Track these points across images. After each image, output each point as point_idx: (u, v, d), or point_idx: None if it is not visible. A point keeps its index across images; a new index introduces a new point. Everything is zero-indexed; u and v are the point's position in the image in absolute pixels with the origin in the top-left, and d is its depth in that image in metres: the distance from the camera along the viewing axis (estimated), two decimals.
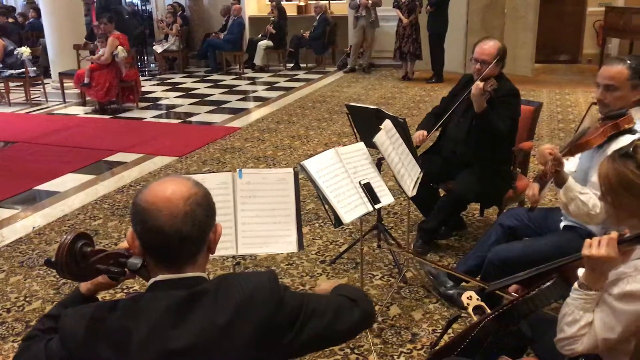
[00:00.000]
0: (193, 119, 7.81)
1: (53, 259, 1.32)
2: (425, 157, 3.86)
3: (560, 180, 2.41)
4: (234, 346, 1.26)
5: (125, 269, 1.40)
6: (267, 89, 9.75)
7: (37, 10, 9.10)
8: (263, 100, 8.80)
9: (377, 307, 3.13)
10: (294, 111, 7.92)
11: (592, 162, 2.53)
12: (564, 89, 8.73)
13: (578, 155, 2.65)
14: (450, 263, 3.58)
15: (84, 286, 1.51)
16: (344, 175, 2.55)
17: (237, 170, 2.31)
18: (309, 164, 2.46)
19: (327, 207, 2.50)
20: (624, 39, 10.10)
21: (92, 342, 1.25)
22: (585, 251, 1.54)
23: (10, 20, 11.47)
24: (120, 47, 7.82)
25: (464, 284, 3.12)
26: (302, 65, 11.66)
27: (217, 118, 7.74)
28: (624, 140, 2.32)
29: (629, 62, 2.47)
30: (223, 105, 8.55)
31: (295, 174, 2.37)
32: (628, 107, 2.44)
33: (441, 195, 3.88)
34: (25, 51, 8.34)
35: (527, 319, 1.83)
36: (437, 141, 3.83)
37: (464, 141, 3.53)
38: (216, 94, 9.41)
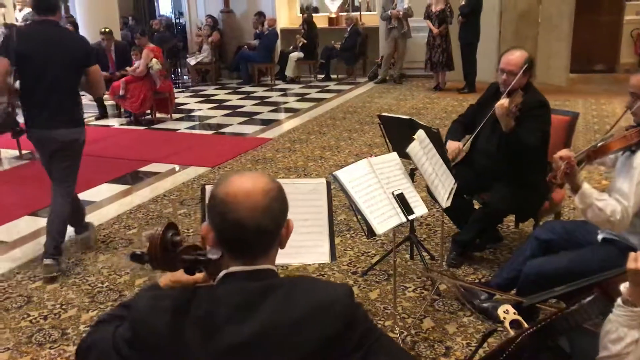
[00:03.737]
0: (226, 130, 7.89)
1: (139, 252, 1.37)
2: (458, 168, 3.81)
3: (574, 186, 2.38)
4: (299, 347, 1.25)
5: (207, 259, 1.41)
6: (298, 100, 9.80)
7: (75, 25, 9.31)
8: (294, 112, 8.84)
9: (409, 320, 3.10)
10: (324, 122, 7.93)
11: (619, 168, 2.51)
12: (599, 99, 8.56)
13: None
14: (485, 276, 3.52)
15: (163, 281, 1.52)
16: (376, 185, 2.53)
17: None
18: (341, 174, 2.45)
19: (359, 217, 2.48)
20: None
21: (177, 332, 1.26)
22: (630, 264, 1.49)
23: None
24: (154, 60, 7.96)
25: (498, 297, 3.06)
26: (332, 76, 11.69)
27: (249, 129, 7.80)
28: None
29: None
30: (255, 117, 8.62)
31: (328, 184, 2.36)
32: None
33: (475, 206, 3.83)
34: None
35: (565, 334, 1.79)
36: (469, 153, 3.78)
37: (495, 155, 3.47)
38: (248, 105, 9.50)
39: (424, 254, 3.71)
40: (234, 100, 10.05)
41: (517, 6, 9.71)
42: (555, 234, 2.91)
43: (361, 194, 2.45)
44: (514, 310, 1.93)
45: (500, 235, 3.93)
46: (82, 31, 8.89)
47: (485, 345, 2.58)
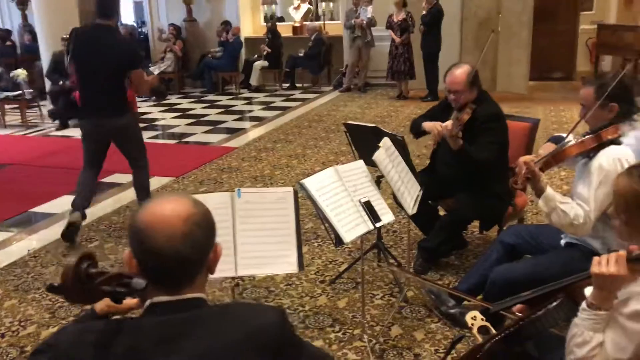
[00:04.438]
0: (190, 139, 7.80)
1: (56, 284, 1.29)
2: (423, 174, 3.84)
3: (538, 190, 2.43)
4: None
5: (130, 290, 1.37)
6: (263, 109, 9.77)
7: (33, 34, 9.11)
8: (259, 120, 8.80)
9: (378, 328, 3.09)
10: (290, 130, 7.92)
11: (578, 173, 2.59)
12: (558, 105, 8.77)
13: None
14: (451, 282, 3.54)
15: (99, 306, 1.47)
16: (344, 193, 2.53)
17: (236, 190, 2.29)
18: (308, 182, 2.44)
19: (327, 226, 2.47)
20: (616, 55, 10.18)
21: None
22: (594, 269, 1.51)
23: (8, 43, 11.50)
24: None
25: (466, 302, 3.09)
26: (298, 85, 11.70)
27: (213, 138, 7.73)
28: (609, 152, 2.36)
29: (596, 83, 2.55)
30: (219, 125, 8.55)
31: (295, 193, 2.35)
32: (608, 123, 2.48)
33: (440, 213, 3.86)
34: (21, 74, 8.34)
35: (533, 339, 1.80)
36: (431, 162, 3.81)
37: (456, 166, 3.47)
38: (212, 114, 9.42)
39: (391, 261, 3.72)
40: (198, 109, 9.96)
41: (477, 15, 9.89)
42: (519, 239, 2.95)
43: (329, 202, 2.44)
44: (482, 317, 1.94)
45: (465, 240, 3.97)
46: (41, 39, 8.72)
47: (453, 352, 2.59)
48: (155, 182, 5.78)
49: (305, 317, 3.24)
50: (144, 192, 4.64)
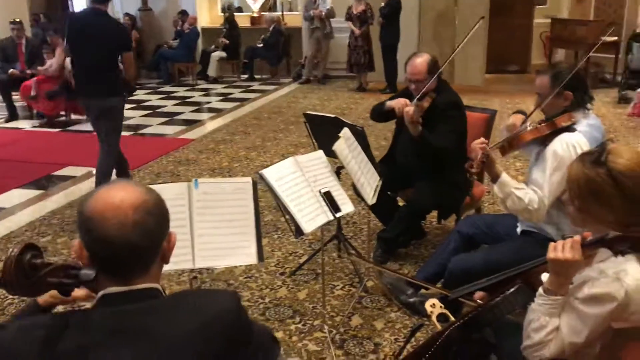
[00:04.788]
0: (145, 131, 7.64)
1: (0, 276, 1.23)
2: (381, 165, 3.85)
3: (494, 175, 2.47)
4: None
5: (78, 281, 1.31)
6: (221, 100, 9.64)
7: None
8: (217, 112, 8.69)
9: (338, 318, 3.09)
10: (249, 122, 7.84)
11: (533, 161, 2.64)
12: (514, 98, 8.93)
13: None
14: (410, 271, 3.57)
15: (42, 298, 1.42)
16: (303, 184, 2.50)
17: (193, 180, 2.24)
18: (267, 173, 2.41)
19: (287, 217, 2.45)
20: (569, 49, 10.43)
21: None
22: (550, 254, 1.53)
23: None
24: (68, 59, 7.58)
25: (424, 291, 3.11)
26: (256, 76, 11.59)
27: (170, 130, 7.59)
28: (563, 138, 2.41)
29: (551, 71, 2.61)
30: (176, 117, 8.40)
31: (254, 184, 2.31)
32: (562, 111, 2.53)
33: (399, 203, 3.89)
34: None
35: (491, 325, 1.82)
36: (391, 150, 3.83)
37: (415, 155, 3.50)
38: (169, 106, 9.25)
39: (351, 251, 3.73)
40: (154, 100, 9.76)
41: (435, 8, 9.98)
42: (476, 228, 2.99)
43: (288, 192, 2.41)
44: (441, 304, 1.96)
45: (423, 230, 4.01)
46: None
47: (413, 340, 2.61)
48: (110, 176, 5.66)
49: (265, 309, 3.21)
50: (103, 178, 4.68)
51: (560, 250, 1.51)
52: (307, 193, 2.48)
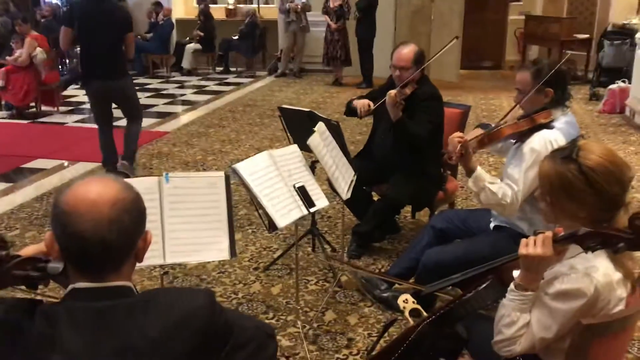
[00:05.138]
0: (117, 123, 7.46)
1: None
2: (357, 160, 3.85)
3: (468, 169, 2.48)
4: None
5: (45, 274, 1.28)
6: (195, 93, 9.54)
7: None
8: (192, 104, 8.59)
9: (312, 313, 3.08)
10: (224, 115, 7.77)
11: (510, 157, 2.66)
12: (488, 94, 9.01)
13: None
14: (384, 266, 3.58)
15: None
16: (277, 178, 2.48)
17: (164, 174, 2.20)
18: (241, 167, 2.37)
19: (260, 212, 2.42)
20: (542, 46, 10.56)
21: (6, 352, 1.14)
22: (522, 250, 1.54)
23: None
24: (39, 49, 7.43)
25: (397, 286, 3.11)
26: (232, 69, 11.50)
27: (143, 123, 7.44)
28: (541, 135, 2.43)
29: (533, 68, 2.62)
30: (150, 110, 8.26)
31: (227, 178, 2.28)
32: (541, 108, 2.55)
33: (374, 198, 3.89)
34: None
35: (462, 320, 1.83)
36: (367, 145, 3.83)
37: (391, 147, 3.52)
38: (142, 98, 9.00)
39: (326, 246, 3.72)
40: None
41: (411, 2, 10.00)
42: (450, 223, 3.00)
43: (262, 187, 2.39)
44: (413, 300, 1.96)
45: (398, 225, 4.01)
46: None
47: (386, 335, 2.61)
48: (80, 168, 5.58)
49: (238, 305, 3.19)
50: (132, 143, 5.27)
51: (532, 246, 1.52)
52: (281, 188, 2.46)
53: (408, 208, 4.14)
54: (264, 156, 2.49)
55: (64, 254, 1.22)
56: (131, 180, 2.22)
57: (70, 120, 7.64)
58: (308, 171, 2.68)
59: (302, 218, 2.60)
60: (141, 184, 2.16)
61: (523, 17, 10.62)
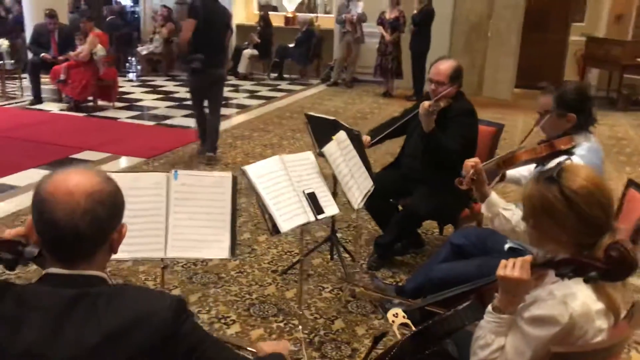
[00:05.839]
0: (168, 121, 7.74)
1: None
2: (385, 172, 3.85)
3: (482, 194, 2.42)
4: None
5: (21, 257, 1.35)
6: (247, 97, 9.71)
7: (19, 2, 9.01)
8: (242, 108, 8.75)
9: (321, 320, 3.09)
10: (270, 120, 7.89)
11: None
12: None
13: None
14: (402, 280, 3.54)
15: None
16: (286, 183, 2.50)
17: (173, 171, 2.26)
18: (250, 168, 2.41)
19: (266, 216, 2.44)
20: (603, 69, 10.21)
21: None
22: (499, 272, 1.51)
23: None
24: (99, 46, 7.76)
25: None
26: (286, 76, 11.64)
27: (192, 122, 7.64)
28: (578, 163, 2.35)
29: (555, 92, 2.55)
30: None
31: (234, 179, 2.33)
32: (563, 132, 2.48)
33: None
34: (2, 44, 8.25)
35: (450, 338, 1.80)
36: (398, 157, 3.82)
37: (421, 159, 3.51)
38: None
39: (345, 255, 3.72)
40: (182, 92, 9.86)
41: (468, 19, 9.89)
42: (468, 240, 2.95)
43: (269, 190, 2.41)
44: (404, 314, 1.94)
45: (422, 240, 3.97)
46: (27, 11, 8.63)
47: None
48: (124, 162, 5.77)
49: (250, 305, 3.22)
50: (216, 133, 5.93)
51: (510, 268, 1.48)
52: (289, 192, 2.48)
53: (435, 224, 4.10)
54: (274, 160, 2.53)
55: (40, 239, 1.28)
56: (142, 175, 2.31)
57: (124, 115, 7.92)
58: (320, 178, 2.70)
59: (308, 223, 2.60)
60: (151, 178, 2.24)
61: (584, 38, 10.29)
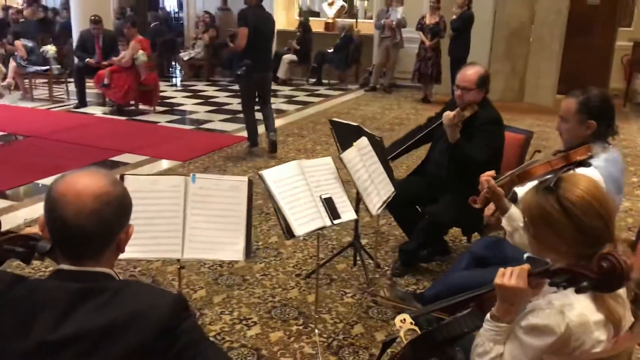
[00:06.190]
0: (206, 126, 7.90)
1: None
2: (411, 178, 3.85)
3: (502, 208, 2.38)
4: (109, 352, 1.23)
5: (34, 251, 1.43)
6: (285, 102, 9.81)
7: (67, 9, 9.37)
8: (279, 113, 8.82)
9: (341, 325, 3.11)
10: (305, 125, 7.95)
11: None
12: None
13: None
14: (426, 287, 3.52)
15: None
16: (303, 187, 2.54)
17: (191, 175, 2.33)
18: (267, 173, 2.47)
19: (281, 221, 2.48)
20: None
21: None
22: (497, 280, 1.50)
23: (41, 15, 11.77)
24: (140, 52, 7.98)
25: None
26: (324, 81, 11.70)
27: (229, 127, 7.81)
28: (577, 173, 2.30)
29: (580, 97, 2.49)
30: (239, 115, 8.55)
31: (249, 183, 2.38)
32: (582, 141, 2.42)
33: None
34: (50, 49, 8.58)
35: (457, 345, 1.80)
36: (423, 163, 3.81)
37: (446, 167, 3.49)
38: (234, 103, 9.47)
39: (369, 261, 3.73)
40: (222, 97, 10.07)
41: (509, 24, 9.74)
42: (488, 249, 2.92)
43: (285, 194, 2.46)
44: (411, 320, 1.94)
45: (448, 248, 3.94)
46: (73, 17, 8.96)
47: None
48: (161, 165, 5.91)
49: (272, 308, 3.27)
50: (271, 122, 6.43)
51: (507, 276, 1.48)
52: (306, 197, 2.52)
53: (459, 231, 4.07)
54: (292, 165, 2.57)
55: (50, 236, 1.35)
56: (161, 178, 2.38)
57: (164, 119, 8.12)
58: (338, 183, 2.72)
59: (323, 228, 2.63)
60: (169, 181, 2.31)
61: (632, 43, 9.99)
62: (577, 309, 1.43)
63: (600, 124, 2.54)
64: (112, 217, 1.32)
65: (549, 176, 2.43)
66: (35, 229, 1.50)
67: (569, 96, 2.64)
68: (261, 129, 6.61)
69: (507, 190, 2.56)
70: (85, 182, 1.31)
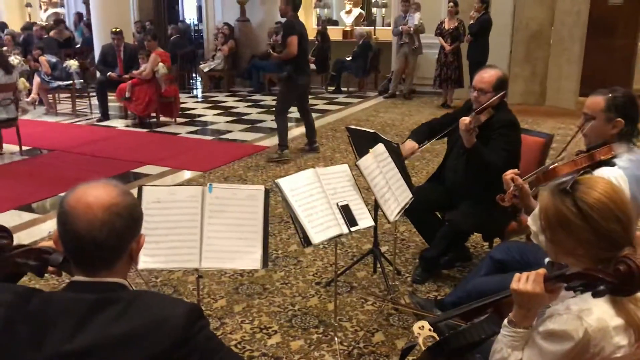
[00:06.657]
0: (227, 136, 7.96)
1: None
2: (430, 184, 3.82)
3: (528, 207, 2.36)
4: None
5: (47, 264, 1.45)
6: None
7: (89, 25, 9.55)
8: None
9: (361, 333, 3.09)
10: (324, 133, 7.96)
11: None
12: None
13: None
14: (447, 293, 3.49)
15: None
16: (320, 195, 2.54)
17: (208, 184, 2.35)
18: (283, 182, 2.47)
19: (298, 230, 2.48)
20: None
21: (9, 327, 1.27)
22: (513, 285, 1.49)
23: (67, 35, 12.02)
24: (161, 64, 8.08)
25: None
26: (343, 89, 11.71)
27: (249, 136, 7.86)
28: (602, 173, 2.27)
29: (608, 94, 2.43)
30: (258, 125, 8.67)
31: (266, 192, 2.39)
32: (604, 140, 2.39)
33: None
34: (73, 64, 8.75)
35: (478, 352, 1.78)
36: (440, 169, 3.79)
37: (463, 172, 3.47)
38: (254, 113, 9.56)
39: (390, 268, 3.71)
40: (241, 107, 10.13)
41: (529, 27, 9.65)
42: (509, 255, 2.88)
43: (301, 202, 2.46)
44: (430, 327, 1.93)
45: (469, 254, 3.91)
46: (95, 32, 9.12)
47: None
48: (182, 176, 5.97)
49: (293, 316, 3.27)
50: (311, 129, 6.95)
51: (523, 281, 1.46)
52: (323, 205, 2.52)
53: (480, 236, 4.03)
54: (309, 173, 2.58)
55: (64, 249, 1.37)
56: (178, 188, 2.41)
57: (184, 131, 8.21)
58: (355, 190, 2.72)
59: (341, 235, 2.62)
60: (186, 191, 2.34)
61: None
62: (595, 313, 1.40)
63: (627, 123, 2.50)
64: (123, 228, 1.34)
65: (566, 178, 2.41)
66: (49, 243, 1.53)
67: (596, 94, 2.58)
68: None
69: (533, 190, 2.54)
70: (96, 194, 1.33)
